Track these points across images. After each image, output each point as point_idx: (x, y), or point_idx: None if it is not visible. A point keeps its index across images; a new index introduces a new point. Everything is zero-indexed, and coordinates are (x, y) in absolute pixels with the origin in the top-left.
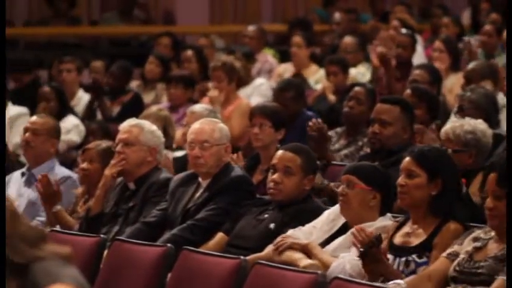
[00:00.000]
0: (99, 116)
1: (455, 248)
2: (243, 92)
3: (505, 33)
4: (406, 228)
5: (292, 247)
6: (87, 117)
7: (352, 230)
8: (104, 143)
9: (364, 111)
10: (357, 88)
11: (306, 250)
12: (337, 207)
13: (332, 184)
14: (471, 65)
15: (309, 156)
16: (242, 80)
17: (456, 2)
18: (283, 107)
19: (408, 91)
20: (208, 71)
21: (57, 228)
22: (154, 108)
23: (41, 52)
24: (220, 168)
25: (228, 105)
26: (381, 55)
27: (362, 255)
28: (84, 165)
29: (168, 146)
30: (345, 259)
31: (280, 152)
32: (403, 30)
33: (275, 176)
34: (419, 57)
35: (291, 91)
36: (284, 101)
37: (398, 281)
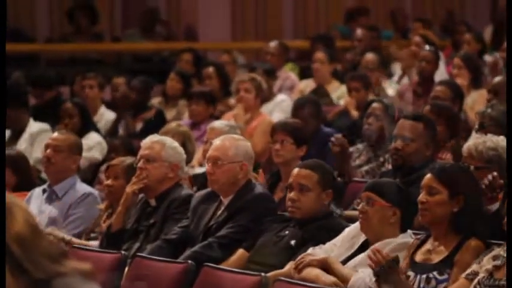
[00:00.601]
0: (120, 131)
1: (473, 267)
2: (265, 108)
3: None
4: (428, 246)
5: (311, 264)
6: (109, 134)
7: (369, 252)
8: (128, 159)
9: (382, 127)
10: (374, 104)
11: (325, 265)
12: (357, 224)
13: (345, 213)
14: (497, 79)
15: (325, 171)
16: (264, 96)
17: (478, 18)
18: (301, 119)
19: (427, 108)
20: (230, 87)
21: (78, 244)
22: (173, 124)
23: (62, 68)
24: (242, 185)
25: (252, 122)
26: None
27: (376, 275)
28: (109, 181)
29: (187, 162)
30: (364, 273)
31: (296, 170)
32: (427, 47)
33: (291, 194)
34: (441, 73)
35: (308, 108)
36: (302, 118)
37: None
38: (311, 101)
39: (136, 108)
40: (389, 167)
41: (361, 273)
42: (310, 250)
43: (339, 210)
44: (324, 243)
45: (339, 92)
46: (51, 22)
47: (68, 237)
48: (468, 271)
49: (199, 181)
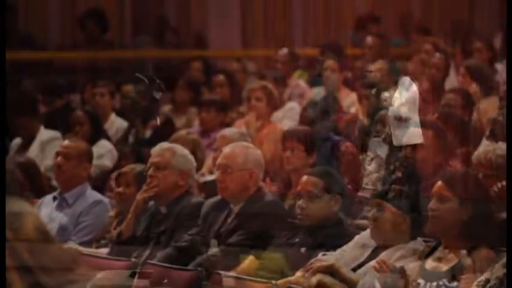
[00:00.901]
0: (130, 139)
1: (484, 275)
2: (274, 116)
3: None
4: (438, 253)
5: (319, 270)
6: (120, 142)
7: (373, 263)
8: (139, 167)
9: (391, 134)
10: (382, 112)
11: (333, 270)
12: (367, 232)
13: (354, 223)
14: None
15: (332, 177)
16: (275, 104)
17: (488, 26)
18: (308, 125)
19: (435, 115)
20: (241, 94)
21: (88, 252)
22: (183, 132)
23: (73, 76)
24: (252, 193)
25: (262, 129)
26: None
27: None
28: (121, 189)
29: (197, 170)
30: (372, 277)
31: (304, 178)
32: (437, 54)
33: (300, 201)
34: (451, 81)
35: (313, 111)
36: (307, 122)
37: None
38: (319, 105)
39: (145, 114)
40: (399, 174)
41: (369, 277)
42: (319, 256)
43: (349, 220)
44: (334, 250)
45: (348, 100)
46: (62, 30)
47: (74, 246)
48: (479, 279)
49: (210, 188)
